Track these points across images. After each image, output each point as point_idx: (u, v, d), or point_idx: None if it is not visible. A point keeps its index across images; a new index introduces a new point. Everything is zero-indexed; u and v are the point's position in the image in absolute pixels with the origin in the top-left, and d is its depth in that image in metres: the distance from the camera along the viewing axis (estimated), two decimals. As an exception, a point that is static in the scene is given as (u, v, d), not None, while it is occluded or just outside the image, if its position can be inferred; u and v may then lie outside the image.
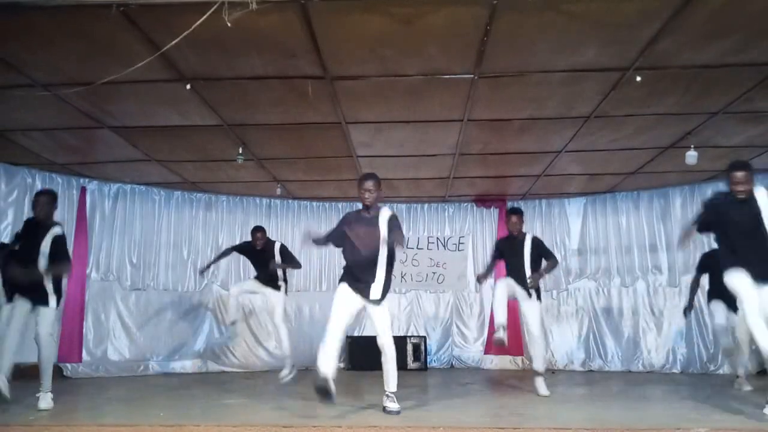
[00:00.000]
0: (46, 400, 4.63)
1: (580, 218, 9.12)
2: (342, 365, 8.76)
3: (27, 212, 6.60)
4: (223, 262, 8.77)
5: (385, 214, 4.55)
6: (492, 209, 9.38)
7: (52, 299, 4.81)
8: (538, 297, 5.71)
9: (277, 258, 6.57)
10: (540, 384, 5.53)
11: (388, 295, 4.56)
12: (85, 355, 7.65)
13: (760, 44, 4.26)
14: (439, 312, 9.38)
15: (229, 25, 3.49)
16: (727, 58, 4.48)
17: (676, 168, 7.12)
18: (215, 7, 3.48)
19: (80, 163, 7.22)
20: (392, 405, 4.41)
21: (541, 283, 5.94)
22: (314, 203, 9.28)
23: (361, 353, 8.48)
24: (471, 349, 9.16)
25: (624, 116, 5.71)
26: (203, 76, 4.76)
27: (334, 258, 8.49)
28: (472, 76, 4.80)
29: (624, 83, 4.90)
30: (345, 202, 9.08)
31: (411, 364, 8.49)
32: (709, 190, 7.37)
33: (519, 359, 8.67)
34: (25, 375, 5.53)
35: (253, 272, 6.92)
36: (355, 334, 8.92)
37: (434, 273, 9.40)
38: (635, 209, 8.79)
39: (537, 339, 5.67)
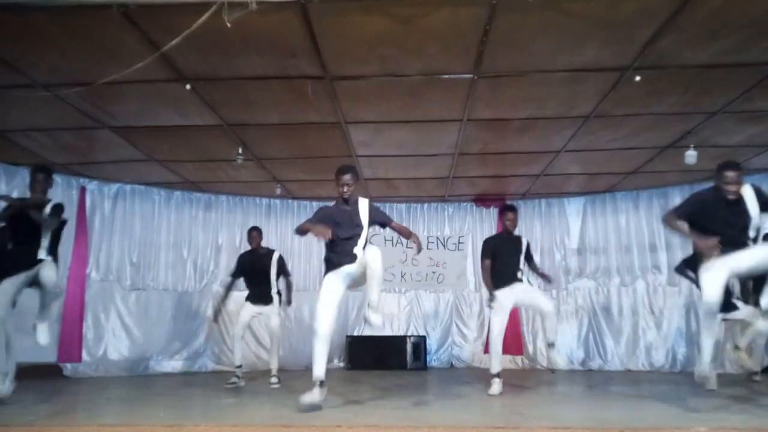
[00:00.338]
0: (43, 331, 4.86)
1: (580, 218, 9.13)
2: (342, 364, 8.80)
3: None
4: (223, 262, 8.81)
5: (363, 202, 4.70)
6: (491, 209, 9.38)
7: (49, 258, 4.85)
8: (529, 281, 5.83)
9: (273, 267, 6.55)
10: (554, 353, 5.77)
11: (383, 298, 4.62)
12: (84, 355, 7.65)
13: (759, 44, 4.27)
14: (439, 311, 9.39)
15: (228, 25, 3.50)
16: (727, 58, 4.49)
17: (675, 167, 7.12)
18: (215, 7, 3.48)
19: (80, 163, 7.23)
20: (374, 316, 4.26)
21: (535, 280, 5.97)
22: (314, 203, 9.26)
23: (360, 353, 8.50)
24: (471, 349, 9.17)
25: (623, 116, 5.72)
26: (203, 76, 4.76)
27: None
28: (471, 76, 4.80)
29: (623, 83, 4.91)
30: (345, 202, 9.08)
31: (411, 363, 8.50)
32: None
33: (519, 359, 8.68)
34: (25, 375, 5.54)
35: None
36: (355, 333, 8.94)
37: (434, 272, 9.41)
38: (635, 209, 8.80)
39: (550, 314, 5.65)
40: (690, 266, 6.19)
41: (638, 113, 5.66)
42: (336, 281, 4.53)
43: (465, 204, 9.51)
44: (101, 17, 3.73)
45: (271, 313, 6.53)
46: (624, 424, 3.79)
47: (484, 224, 9.45)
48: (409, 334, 9.08)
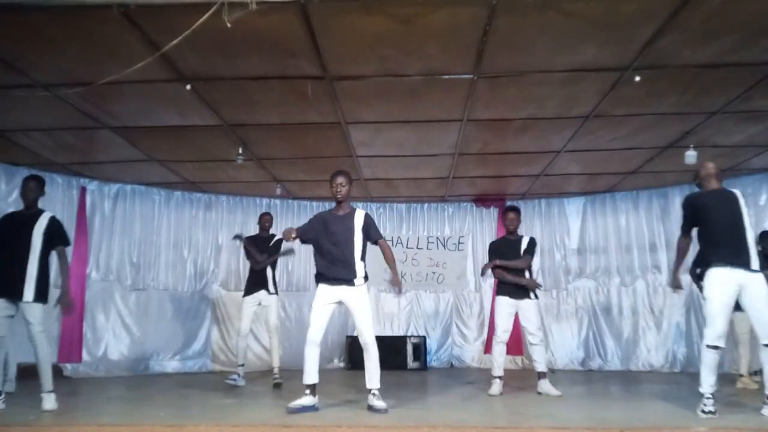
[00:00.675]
0: (50, 401, 4.56)
1: (580, 218, 9.14)
2: (342, 364, 8.80)
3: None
4: (223, 262, 8.82)
5: (359, 213, 4.76)
6: (492, 209, 9.39)
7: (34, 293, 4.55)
8: (536, 295, 5.71)
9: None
10: (548, 385, 5.52)
11: (376, 293, 4.66)
12: (85, 355, 7.65)
13: (758, 43, 4.27)
14: (439, 311, 9.39)
15: (228, 25, 3.49)
16: (726, 58, 4.49)
17: (675, 167, 7.12)
18: (215, 7, 3.48)
19: (80, 163, 7.23)
20: (379, 403, 4.41)
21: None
22: (314, 203, 9.28)
23: (360, 353, 8.45)
24: (471, 349, 9.17)
25: (623, 116, 5.72)
26: (203, 76, 4.76)
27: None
28: (471, 76, 4.80)
29: (623, 83, 4.91)
30: (345, 202, 9.08)
31: (411, 363, 8.50)
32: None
33: (519, 359, 8.67)
34: (25, 375, 5.55)
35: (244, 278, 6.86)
36: (355, 334, 8.92)
37: (434, 273, 9.41)
38: (634, 209, 8.81)
39: (538, 342, 5.62)
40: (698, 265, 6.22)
41: (638, 113, 5.66)
42: (323, 301, 4.61)
43: (465, 204, 9.51)
44: (101, 17, 3.73)
45: (271, 305, 6.55)
46: (624, 424, 3.79)
47: (484, 224, 9.45)
48: (409, 334, 9.08)
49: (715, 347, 4.16)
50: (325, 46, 4.27)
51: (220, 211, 9.01)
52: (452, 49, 4.36)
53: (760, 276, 4.17)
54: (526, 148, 6.75)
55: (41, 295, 4.63)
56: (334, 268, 4.60)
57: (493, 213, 9.38)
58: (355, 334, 8.66)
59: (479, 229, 9.46)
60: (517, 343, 8.42)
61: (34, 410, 4.45)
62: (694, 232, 4.52)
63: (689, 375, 7.74)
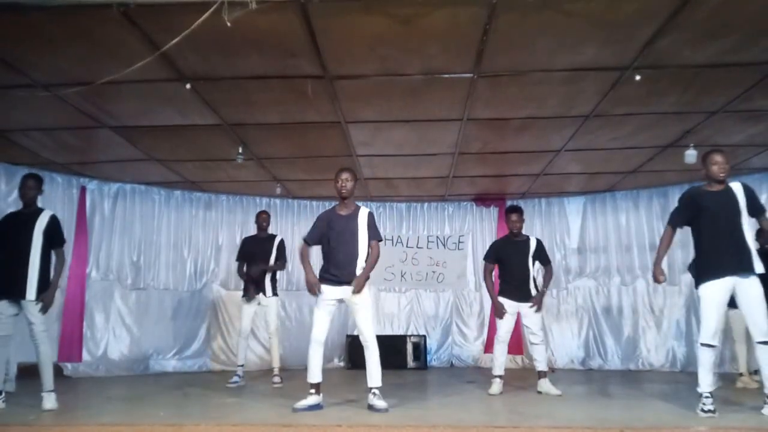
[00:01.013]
0: (50, 400, 4.56)
1: (580, 217, 9.13)
2: (342, 364, 8.80)
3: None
4: (223, 262, 8.82)
5: (363, 211, 4.75)
6: (492, 208, 9.39)
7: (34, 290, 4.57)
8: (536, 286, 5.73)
9: (274, 252, 6.64)
10: (548, 384, 5.53)
11: (377, 292, 4.67)
12: (85, 355, 7.65)
13: (759, 43, 4.27)
14: (439, 311, 9.38)
15: (228, 24, 3.49)
16: (727, 57, 4.49)
17: (675, 167, 7.11)
18: (215, 6, 3.48)
19: (80, 162, 7.23)
20: (379, 402, 4.42)
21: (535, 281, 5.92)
22: (314, 202, 9.28)
23: (360, 352, 8.43)
24: (471, 348, 9.17)
25: (623, 115, 5.72)
26: (203, 76, 4.76)
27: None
28: (471, 75, 4.80)
29: (623, 82, 4.90)
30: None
31: (411, 363, 8.50)
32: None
33: (519, 358, 8.67)
34: (25, 375, 5.55)
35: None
36: (355, 333, 8.92)
37: (434, 272, 9.40)
38: (635, 208, 8.80)
39: (540, 342, 5.64)
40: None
41: (638, 113, 5.66)
42: (326, 301, 4.62)
43: (465, 203, 9.51)
44: (101, 17, 3.72)
45: (271, 305, 6.55)
46: (624, 424, 3.80)
47: (484, 224, 9.45)
48: (409, 333, 9.08)
49: (710, 345, 4.16)
50: (325, 46, 4.27)
51: (220, 210, 9.00)
52: (452, 48, 4.35)
53: (754, 275, 4.17)
54: (526, 148, 6.75)
55: (42, 294, 4.64)
56: (338, 269, 4.60)
57: (493, 212, 9.38)
58: (355, 334, 8.74)
59: (479, 229, 9.46)
60: (517, 343, 8.42)
61: (34, 410, 4.46)
62: (688, 230, 4.48)
63: (689, 374, 7.73)
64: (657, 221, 8.61)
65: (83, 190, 7.85)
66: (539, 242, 5.86)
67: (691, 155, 6.22)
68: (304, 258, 4.74)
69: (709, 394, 4.08)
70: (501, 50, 4.36)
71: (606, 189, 8.73)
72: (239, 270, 6.76)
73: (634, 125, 5.97)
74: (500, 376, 5.62)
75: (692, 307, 8.16)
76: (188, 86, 4.84)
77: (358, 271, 4.60)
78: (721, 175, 4.28)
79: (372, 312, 4.68)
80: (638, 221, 8.76)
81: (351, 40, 4.19)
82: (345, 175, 4.73)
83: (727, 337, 7.02)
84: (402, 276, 9.32)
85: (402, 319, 9.32)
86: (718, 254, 4.20)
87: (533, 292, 5.64)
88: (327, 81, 4.87)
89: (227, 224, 8.98)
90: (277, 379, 6.43)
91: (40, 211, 4.80)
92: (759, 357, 4.14)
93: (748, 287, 4.13)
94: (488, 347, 8.83)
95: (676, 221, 4.51)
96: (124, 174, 7.83)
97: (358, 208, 4.78)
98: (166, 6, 3.63)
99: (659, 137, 6.36)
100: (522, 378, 6.86)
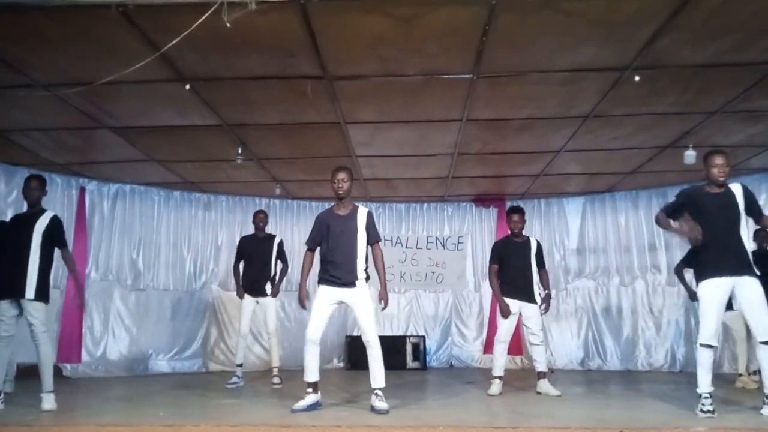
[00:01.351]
0: (49, 401, 4.56)
1: (579, 217, 9.14)
2: (341, 364, 8.80)
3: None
4: (223, 262, 8.81)
5: (362, 211, 4.72)
6: (491, 209, 9.39)
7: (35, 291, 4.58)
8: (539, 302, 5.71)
9: (273, 252, 6.63)
10: (548, 385, 5.53)
11: (376, 293, 4.68)
12: (84, 355, 7.64)
13: (758, 43, 4.27)
14: (439, 311, 9.39)
15: (228, 25, 3.49)
16: (726, 57, 4.49)
17: (675, 167, 7.12)
18: (215, 7, 3.48)
19: (80, 163, 7.23)
20: (381, 404, 4.39)
21: (538, 285, 5.91)
22: (313, 203, 9.28)
23: (360, 353, 8.44)
24: (470, 349, 9.17)
25: (623, 115, 5.72)
26: (203, 76, 4.76)
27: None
28: (471, 75, 4.80)
29: (623, 82, 4.91)
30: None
31: (410, 363, 8.50)
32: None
33: (519, 359, 8.67)
34: (24, 375, 5.54)
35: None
36: (355, 333, 8.93)
37: (433, 272, 9.41)
38: (634, 208, 8.81)
39: (540, 342, 5.64)
40: (688, 264, 6.22)
41: (637, 113, 5.66)
42: (324, 301, 4.61)
43: (464, 204, 9.51)
44: (101, 17, 3.72)
45: (269, 305, 6.54)
46: (623, 424, 3.79)
47: (483, 224, 9.45)
48: (408, 334, 9.08)
49: (709, 346, 4.16)
50: (325, 46, 4.27)
51: (220, 210, 9.00)
52: (452, 48, 4.35)
53: (753, 276, 4.17)
54: (526, 148, 6.75)
55: (42, 294, 4.64)
56: (337, 271, 4.57)
57: (492, 213, 9.38)
58: (354, 334, 8.78)
59: (479, 229, 9.46)
60: (517, 344, 8.41)
61: (33, 410, 4.45)
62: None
63: (688, 375, 7.72)
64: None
65: (82, 190, 7.85)
66: (539, 245, 5.88)
67: (690, 156, 6.22)
68: (305, 269, 4.76)
69: (708, 395, 4.08)
70: (501, 50, 4.36)
71: (605, 189, 8.73)
72: (234, 268, 6.76)
73: (634, 125, 5.97)
74: (500, 377, 5.62)
75: (691, 308, 8.16)
76: (187, 86, 4.83)
77: (359, 272, 4.57)
78: (721, 178, 4.27)
79: (373, 311, 4.65)
80: (637, 222, 8.76)
81: (350, 41, 4.19)
82: (341, 175, 4.69)
83: (726, 338, 7.05)
84: (401, 276, 9.32)
85: (401, 319, 9.32)
86: (717, 255, 4.20)
87: (536, 292, 5.66)
88: (326, 81, 4.87)
89: (226, 225, 8.98)
90: (276, 379, 6.42)
91: (42, 211, 4.81)
92: (760, 357, 4.13)
93: (748, 288, 4.13)
94: (488, 348, 8.82)
95: (668, 212, 4.56)
96: (123, 174, 7.83)
97: (356, 207, 4.75)
98: (165, 6, 3.63)
99: (659, 137, 6.37)
100: (521, 378, 6.86)
